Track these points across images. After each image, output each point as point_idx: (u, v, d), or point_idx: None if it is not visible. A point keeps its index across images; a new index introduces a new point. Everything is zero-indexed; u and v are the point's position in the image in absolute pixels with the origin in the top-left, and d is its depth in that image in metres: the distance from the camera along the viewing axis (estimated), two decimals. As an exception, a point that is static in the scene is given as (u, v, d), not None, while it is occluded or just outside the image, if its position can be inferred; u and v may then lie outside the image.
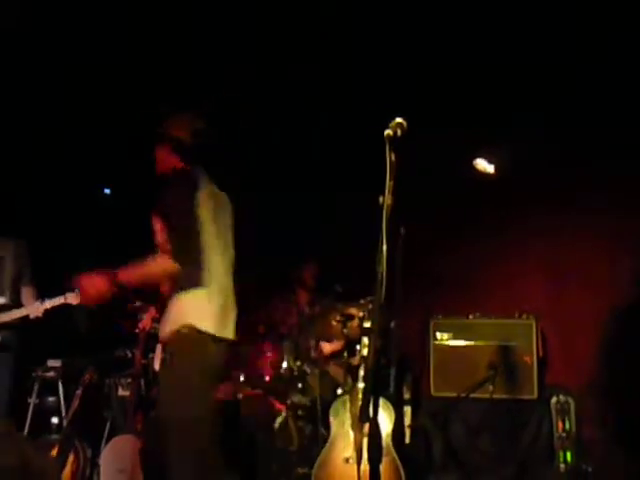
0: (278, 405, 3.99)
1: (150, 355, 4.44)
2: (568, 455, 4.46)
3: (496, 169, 4.69)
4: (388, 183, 1.94)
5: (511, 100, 4.73)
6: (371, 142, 2.19)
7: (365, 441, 3.34)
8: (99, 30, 4.42)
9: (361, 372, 3.53)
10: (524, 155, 4.71)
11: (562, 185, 4.86)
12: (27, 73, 4.58)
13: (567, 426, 4.50)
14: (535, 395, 4.58)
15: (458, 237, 5.18)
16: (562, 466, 4.45)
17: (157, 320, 4.39)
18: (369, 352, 3.51)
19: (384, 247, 1.85)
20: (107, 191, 5.02)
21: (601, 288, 4.72)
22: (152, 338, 4.43)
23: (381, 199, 1.93)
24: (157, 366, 4.42)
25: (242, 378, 4.17)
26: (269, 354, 4.16)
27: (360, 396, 3.51)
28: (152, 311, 4.35)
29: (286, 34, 4.54)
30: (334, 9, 4.26)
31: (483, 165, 4.62)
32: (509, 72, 4.63)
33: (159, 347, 4.43)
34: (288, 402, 4.04)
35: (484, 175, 4.71)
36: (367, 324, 3.67)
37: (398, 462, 3.39)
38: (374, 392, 1.95)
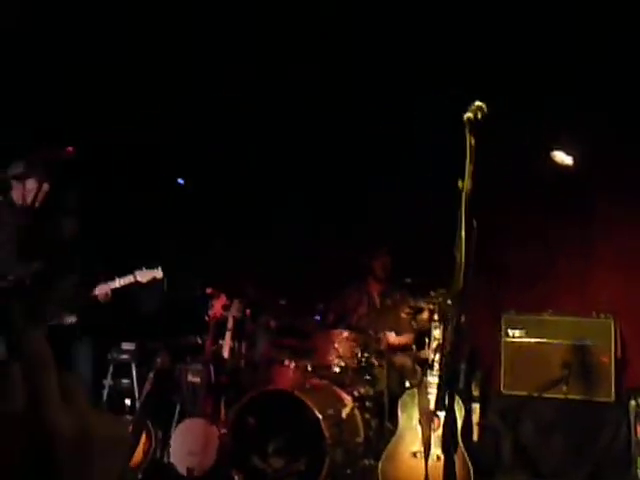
0: (345, 396, 3.97)
1: (220, 342, 4.51)
2: (649, 461, 4.27)
3: (575, 161, 4.51)
4: (468, 167, 1.89)
5: (587, 90, 4.56)
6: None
7: (433, 436, 3.32)
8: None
9: (434, 365, 3.46)
10: (604, 147, 4.53)
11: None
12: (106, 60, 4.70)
13: (647, 431, 4.30)
14: (612, 397, 4.40)
15: (533, 230, 5.03)
16: (639, 472, 4.27)
17: (227, 307, 4.47)
18: (443, 344, 3.45)
19: (462, 233, 1.80)
20: (181, 181, 5.13)
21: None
22: (222, 325, 4.52)
23: (460, 183, 1.88)
24: (226, 353, 4.50)
25: (309, 367, 4.17)
26: (337, 344, 4.15)
27: (429, 390, 3.46)
28: (222, 299, 4.42)
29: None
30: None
31: (561, 157, 4.46)
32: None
33: (228, 334, 4.51)
34: (355, 393, 4.02)
35: (562, 167, 4.55)
36: (437, 317, 3.61)
37: (467, 458, 3.31)
38: (449, 383, 1.90)
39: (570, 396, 4.40)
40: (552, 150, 4.43)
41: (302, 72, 4.77)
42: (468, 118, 1.92)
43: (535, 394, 4.47)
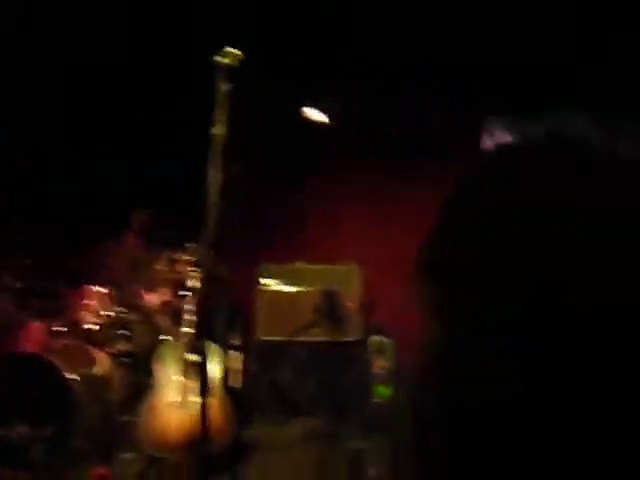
0: (99, 354, 3.80)
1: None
2: (386, 390, 4.79)
3: (330, 118, 4.75)
4: (218, 112, 1.87)
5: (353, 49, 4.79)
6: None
7: (190, 384, 3.34)
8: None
9: (187, 316, 3.46)
10: (353, 106, 4.84)
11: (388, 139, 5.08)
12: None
13: (385, 363, 4.81)
14: (357, 337, 4.83)
15: (287, 184, 5.23)
16: (378, 400, 4.77)
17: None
18: (199, 296, 3.46)
19: (214, 178, 1.79)
20: None
21: (420, 237, 5.04)
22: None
23: (213, 130, 1.86)
24: None
25: (60, 327, 3.90)
26: (91, 300, 3.93)
27: (185, 340, 3.45)
28: None
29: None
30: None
31: (314, 113, 4.66)
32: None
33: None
34: (111, 350, 3.87)
35: (317, 123, 4.76)
36: (195, 269, 3.59)
37: (228, 403, 3.40)
38: (204, 334, 1.91)
39: (320, 338, 4.73)
40: (304, 107, 4.61)
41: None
42: (219, 62, 1.89)
43: (289, 338, 4.74)
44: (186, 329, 3.45)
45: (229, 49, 1.94)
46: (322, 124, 4.70)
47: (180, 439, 3.17)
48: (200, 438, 2.00)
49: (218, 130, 1.84)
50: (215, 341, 3.93)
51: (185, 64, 4.28)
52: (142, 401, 3.50)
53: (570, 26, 4.32)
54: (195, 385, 3.27)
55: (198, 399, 3.21)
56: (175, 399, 3.36)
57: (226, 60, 1.90)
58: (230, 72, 1.91)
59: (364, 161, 5.15)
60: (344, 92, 4.71)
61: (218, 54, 1.88)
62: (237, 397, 4.39)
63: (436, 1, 4.45)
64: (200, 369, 1.94)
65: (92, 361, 3.72)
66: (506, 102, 4.37)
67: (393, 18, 4.60)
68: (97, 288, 4.01)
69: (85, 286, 4.05)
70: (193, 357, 3.35)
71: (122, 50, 4.67)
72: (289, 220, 5.28)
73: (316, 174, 5.24)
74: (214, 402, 3.40)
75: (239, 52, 1.96)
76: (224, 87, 1.89)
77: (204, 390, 1.96)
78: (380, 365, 4.78)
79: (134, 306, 4.09)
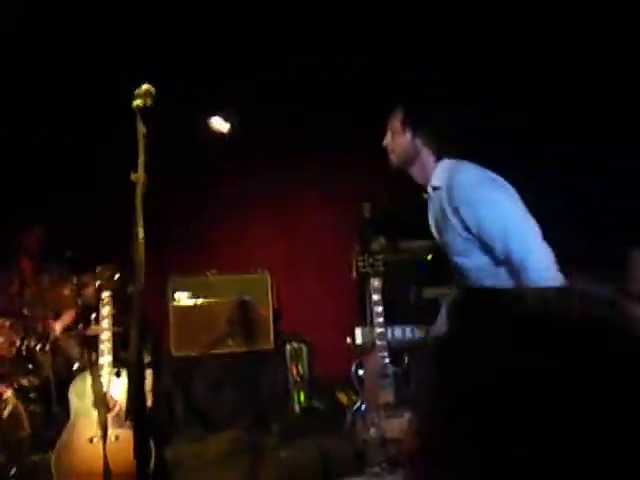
0: (4, 390, 3.57)
1: None
2: (302, 396, 4.84)
3: (230, 128, 4.70)
4: (141, 158, 1.79)
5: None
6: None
7: (109, 417, 3.22)
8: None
9: (102, 346, 3.32)
10: (256, 113, 4.81)
11: (292, 144, 5.09)
12: None
13: (300, 370, 4.86)
14: (272, 345, 4.84)
15: (194, 196, 5.14)
16: (297, 406, 4.82)
17: None
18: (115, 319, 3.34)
19: (140, 230, 1.72)
20: None
21: (325, 242, 5.12)
22: None
23: (133, 176, 1.78)
24: None
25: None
26: (-11, 334, 3.68)
27: (101, 370, 3.32)
28: None
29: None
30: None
31: (218, 123, 4.59)
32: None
33: None
34: (16, 386, 3.65)
35: (219, 134, 4.69)
36: (105, 293, 3.45)
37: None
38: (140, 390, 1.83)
39: (235, 350, 4.70)
40: (209, 118, 4.53)
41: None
42: (137, 106, 1.81)
43: (204, 352, 4.67)
44: (102, 359, 3.32)
45: (143, 87, 1.86)
46: (226, 134, 4.64)
47: (100, 476, 3.05)
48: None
49: (140, 177, 1.77)
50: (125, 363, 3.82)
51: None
52: (54, 437, 3.34)
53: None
54: (114, 417, 3.21)
55: (117, 432, 3.15)
56: (93, 434, 3.23)
57: (143, 100, 1.82)
58: (147, 112, 1.83)
59: (267, 169, 5.15)
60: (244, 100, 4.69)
61: (134, 97, 1.80)
62: (150, 417, 4.29)
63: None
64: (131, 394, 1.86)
65: (-2, 399, 3.50)
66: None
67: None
68: (-3, 319, 3.77)
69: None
70: (112, 387, 3.26)
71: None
72: (198, 232, 5.18)
73: (223, 184, 5.18)
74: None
75: (151, 87, 1.88)
76: (144, 129, 1.81)
77: (138, 413, 1.87)
78: (297, 372, 4.82)
79: (39, 335, 3.87)
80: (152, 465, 3.25)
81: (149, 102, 1.85)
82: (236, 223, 5.30)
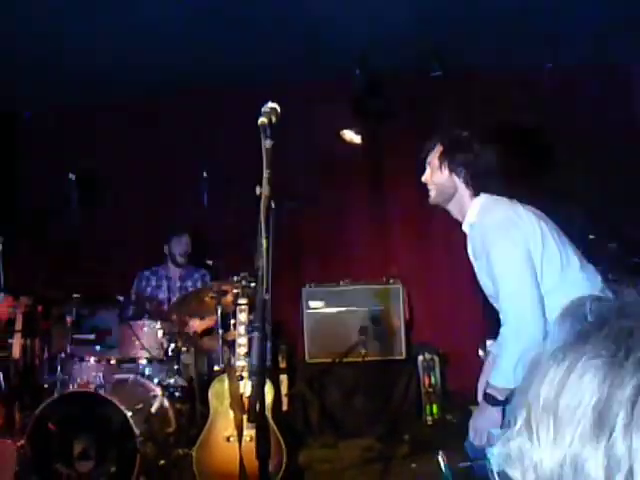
0: (153, 387, 3.88)
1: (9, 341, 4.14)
2: (434, 408, 4.78)
3: (363, 139, 4.77)
4: (266, 172, 1.89)
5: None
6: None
7: (245, 419, 3.39)
8: None
9: (239, 350, 3.50)
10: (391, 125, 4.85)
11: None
12: None
13: (433, 381, 4.80)
14: (404, 355, 4.83)
15: (329, 207, 5.26)
16: (429, 418, 4.77)
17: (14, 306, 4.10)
18: (250, 327, 3.50)
19: (263, 241, 1.81)
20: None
21: (460, 253, 5.01)
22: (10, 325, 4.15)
23: (258, 189, 1.89)
24: (17, 353, 4.15)
25: (113, 362, 4.00)
26: (141, 334, 4.01)
27: (238, 373, 3.50)
28: (8, 299, 4.06)
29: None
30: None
31: (350, 136, 4.68)
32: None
33: (17, 334, 4.16)
34: (164, 384, 3.94)
35: (351, 145, 4.78)
36: (242, 300, 3.64)
37: (278, 433, 3.43)
38: (260, 394, 1.93)
39: (368, 358, 4.75)
40: (341, 130, 4.64)
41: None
42: (262, 123, 1.92)
43: (337, 360, 4.76)
44: (239, 362, 3.49)
45: (269, 105, 1.97)
46: (358, 144, 4.71)
47: (236, 474, 3.21)
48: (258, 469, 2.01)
49: (264, 190, 1.87)
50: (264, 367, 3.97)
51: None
52: (197, 434, 3.56)
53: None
54: (248, 417, 3.37)
55: (253, 433, 3.30)
56: (230, 433, 3.41)
57: (268, 118, 1.92)
58: (272, 129, 1.94)
59: (400, 178, 5.13)
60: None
61: (261, 114, 1.91)
62: (286, 421, 4.45)
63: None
64: (257, 398, 1.95)
65: (148, 395, 3.80)
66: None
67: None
68: (147, 321, 4.09)
69: (136, 320, 4.14)
70: (247, 389, 3.42)
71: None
72: (333, 241, 5.30)
73: (356, 195, 5.26)
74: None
75: (276, 106, 1.98)
76: (268, 145, 1.92)
77: (261, 419, 1.97)
78: (429, 383, 4.77)
79: (184, 338, 4.15)
80: (283, 467, 3.39)
81: (274, 119, 1.95)
82: (370, 233, 5.35)
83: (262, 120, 1.92)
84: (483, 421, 2.31)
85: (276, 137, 1.95)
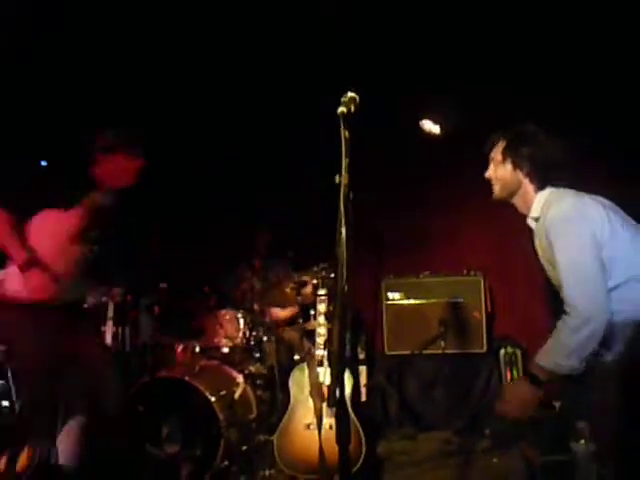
0: (236, 375, 4.00)
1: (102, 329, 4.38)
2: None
3: (442, 129, 4.71)
4: (344, 161, 1.92)
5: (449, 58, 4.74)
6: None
7: (324, 407, 3.44)
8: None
9: (319, 340, 3.56)
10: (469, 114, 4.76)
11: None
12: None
13: (515, 375, 4.69)
14: (484, 348, 4.74)
15: (408, 198, 5.23)
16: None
17: (107, 294, 4.32)
18: (330, 319, 3.55)
19: (343, 229, 1.84)
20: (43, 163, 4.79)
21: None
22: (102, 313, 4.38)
23: (337, 178, 1.91)
24: (109, 340, 4.38)
25: (197, 349, 4.15)
26: (224, 324, 4.14)
27: (318, 362, 3.55)
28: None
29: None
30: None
31: (429, 126, 4.63)
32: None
33: (109, 322, 4.38)
34: (246, 371, 4.06)
35: (430, 135, 4.73)
36: (322, 291, 3.69)
37: (357, 422, 3.46)
38: (340, 380, 1.96)
39: (447, 351, 4.69)
40: (420, 120, 4.60)
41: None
42: (342, 112, 1.94)
43: (416, 352, 4.74)
44: (319, 352, 3.55)
45: (348, 95, 1.98)
46: (437, 136, 4.66)
47: (316, 461, 3.26)
48: (338, 458, 2.03)
49: (343, 179, 1.89)
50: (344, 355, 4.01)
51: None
52: (278, 421, 3.64)
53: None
54: (328, 403, 3.42)
55: (332, 421, 3.34)
56: (310, 421, 3.47)
57: (347, 108, 1.94)
58: (351, 118, 1.95)
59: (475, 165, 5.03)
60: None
61: (340, 103, 1.93)
62: (365, 412, 4.48)
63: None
64: (337, 388, 1.98)
65: (231, 382, 3.92)
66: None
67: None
68: (230, 311, 4.22)
69: (219, 310, 4.28)
70: (327, 378, 3.48)
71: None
72: (412, 232, 5.27)
73: (436, 185, 5.20)
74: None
75: (355, 95, 2.00)
76: (347, 134, 1.94)
77: (341, 409, 1.99)
78: (511, 377, 4.67)
79: (266, 327, 4.25)
80: (362, 456, 3.42)
81: (353, 109, 1.97)
82: (449, 224, 5.28)
83: (341, 109, 1.94)
84: (516, 392, 2.33)
85: (355, 126, 1.97)
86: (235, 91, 4.95)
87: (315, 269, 3.79)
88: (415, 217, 5.27)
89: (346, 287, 1.83)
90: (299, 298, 4.11)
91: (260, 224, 4.88)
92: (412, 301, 4.88)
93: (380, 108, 4.15)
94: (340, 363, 1.92)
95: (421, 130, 4.64)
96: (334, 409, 3.33)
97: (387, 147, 5.01)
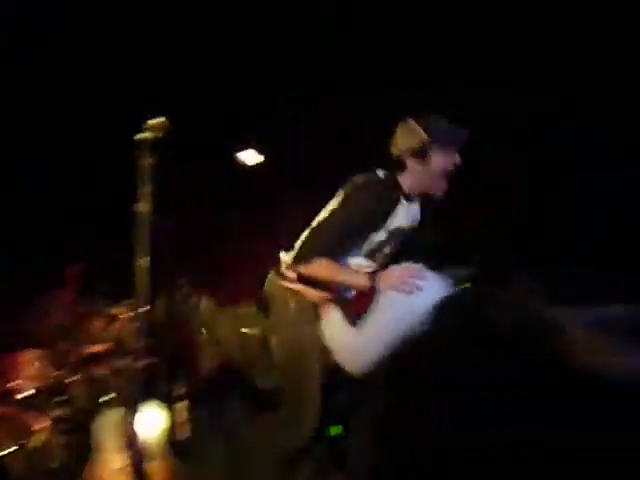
0: (37, 421, 3.64)
1: None
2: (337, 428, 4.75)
3: (262, 159, 4.75)
4: (144, 189, 1.82)
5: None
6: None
7: (135, 450, 3.23)
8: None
9: (130, 377, 3.35)
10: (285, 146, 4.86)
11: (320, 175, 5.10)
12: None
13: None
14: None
15: (225, 226, 5.19)
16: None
17: None
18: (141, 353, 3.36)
19: (141, 259, 1.74)
20: None
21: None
22: None
23: (137, 207, 1.81)
24: None
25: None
26: (24, 365, 3.77)
27: (131, 402, 3.34)
28: None
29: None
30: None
31: (248, 157, 4.64)
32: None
33: None
34: (51, 416, 3.71)
35: (249, 166, 4.74)
36: (134, 324, 3.49)
37: (174, 462, 3.31)
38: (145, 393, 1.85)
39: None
40: (238, 151, 4.60)
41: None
42: (144, 138, 1.85)
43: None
44: (130, 389, 3.35)
45: (153, 121, 1.91)
46: (254, 166, 4.68)
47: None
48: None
49: (143, 207, 1.80)
50: (158, 396, 3.85)
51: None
52: (85, 467, 3.37)
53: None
54: (136, 449, 3.22)
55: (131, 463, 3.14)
56: (118, 464, 3.25)
57: (150, 134, 1.86)
58: (154, 145, 1.87)
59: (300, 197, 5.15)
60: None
61: (141, 129, 1.84)
62: (187, 448, 4.30)
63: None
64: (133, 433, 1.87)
65: (30, 430, 3.57)
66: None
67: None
68: (32, 351, 3.86)
69: (18, 350, 3.90)
70: (136, 419, 3.27)
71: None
72: (231, 262, 5.22)
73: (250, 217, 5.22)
74: (160, 462, 3.33)
75: (164, 120, 1.92)
76: (148, 161, 1.85)
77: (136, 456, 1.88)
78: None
79: (74, 367, 3.94)
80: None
81: (159, 134, 1.89)
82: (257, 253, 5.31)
83: (144, 135, 1.86)
84: None
85: (162, 152, 1.90)
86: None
87: (127, 302, 3.60)
88: (236, 249, 5.24)
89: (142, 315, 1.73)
90: (112, 332, 3.87)
91: (70, 256, 4.55)
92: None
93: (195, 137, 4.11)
94: (149, 405, 1.80)
95: (238, 161, 4.65)
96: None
97: (206, 179, 4.95)
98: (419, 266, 2.34)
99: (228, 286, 5.16)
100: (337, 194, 2.57)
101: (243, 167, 4.60)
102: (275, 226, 5.21)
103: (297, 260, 2.39)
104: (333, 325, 2.61)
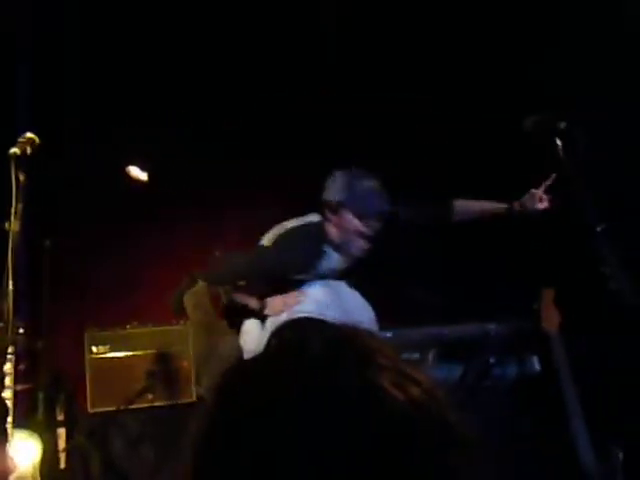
0: None
1: None
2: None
3: (149, 175, 4.65)
4: (16, 207, 1.74)
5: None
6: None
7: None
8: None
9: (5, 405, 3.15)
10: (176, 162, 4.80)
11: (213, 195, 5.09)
12: None
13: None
14: (194, 397, 4.70)
15: (113, 244, 5.02)
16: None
17: None
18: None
19: (10, 282, 1.66)
20: None
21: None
22: None
23: (7, 225, 1.73)
24: None
25: None
26: None
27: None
28: None
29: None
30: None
31: (136, 172, 4.54)
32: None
33: None
34: None
35: (137, 182, 4.63)
36: (9, 349, 3.29)
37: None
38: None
39: (156, 403, 4.54)
40: (127, 166, 4.48)
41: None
42: (14, 153, 1.77)
43: (122, 407, 4.49)
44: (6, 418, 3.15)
45: (26, 136, 1.83)
46: (145, 182, 4.58)
47: None
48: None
49: (14, 226, 1.72)
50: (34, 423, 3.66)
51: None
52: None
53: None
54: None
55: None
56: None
57: (22, 149, 1.79)
58: (25, 161, 1.80)
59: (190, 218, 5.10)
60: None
61: (13, 145, 1.76)
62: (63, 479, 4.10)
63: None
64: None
65: None
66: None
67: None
68: None
69: None
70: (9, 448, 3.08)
71: None
72: (117, 284, 5.05)
73: (140, 236, 5.09)
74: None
75: (34, 137, 1.86)
76: (20, 177, 1.77)
77: None
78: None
79: None
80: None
81: (29, 150, 1.82)
82: (159, 271, 5.19)
83: (14, 150, 1.78)
84: None
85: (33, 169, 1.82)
86: None
87: None
88: (122, 266, 5.07)
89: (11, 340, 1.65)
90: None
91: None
92: (118, 354, 4.64)
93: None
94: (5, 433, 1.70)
95: (128, 176, 4.53)
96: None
97: (92, 192, 4.79)
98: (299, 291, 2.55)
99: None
100: (267, 233, 2.63)
101: (131, 182, 4.49)
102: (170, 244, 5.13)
103: (210, 278, 2.56)
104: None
